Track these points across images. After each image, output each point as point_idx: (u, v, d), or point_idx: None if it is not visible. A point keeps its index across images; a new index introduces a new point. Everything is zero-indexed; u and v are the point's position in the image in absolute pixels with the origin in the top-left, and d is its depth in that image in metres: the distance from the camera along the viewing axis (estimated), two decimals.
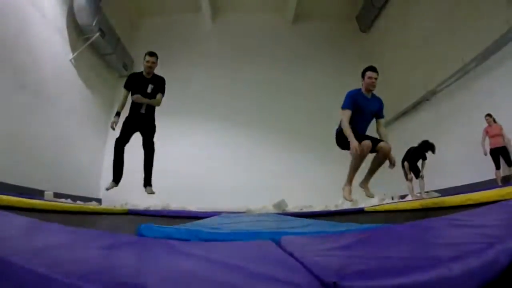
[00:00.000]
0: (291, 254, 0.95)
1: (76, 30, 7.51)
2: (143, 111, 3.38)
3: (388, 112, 9.08)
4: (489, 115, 5.21)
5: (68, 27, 7.23)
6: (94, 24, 7.41)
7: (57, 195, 6.02)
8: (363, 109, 2.93)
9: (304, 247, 1.10)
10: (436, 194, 5.68)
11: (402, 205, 4.87)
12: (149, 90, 3.41)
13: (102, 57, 8.80)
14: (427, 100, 7.52)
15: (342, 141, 2.95)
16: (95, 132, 8.73)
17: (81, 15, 7.23)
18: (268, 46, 10.68)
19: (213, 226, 2.05)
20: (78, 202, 6.41)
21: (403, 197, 7.23)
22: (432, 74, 7.12)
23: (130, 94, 3.46)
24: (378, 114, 3.06)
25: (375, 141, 2.82)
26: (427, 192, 5.73)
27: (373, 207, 5.62)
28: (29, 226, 1.28)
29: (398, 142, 8.76)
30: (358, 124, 2.90)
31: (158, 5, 10.91)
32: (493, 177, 5.09)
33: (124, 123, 3.42)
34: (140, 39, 10.77)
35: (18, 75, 5.56)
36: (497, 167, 5.05)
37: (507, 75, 5.21)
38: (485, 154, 5.17)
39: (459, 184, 5.93)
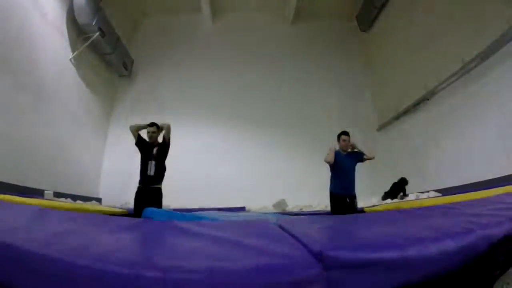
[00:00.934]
0: (288, 232, 1.01)
1: (76, 29, 7.51)
2: (151, 172, 3.61)
3: (388, 112, 9.14)
4: None
5: (68, 26, 7.24)
6: (94, 23, 7.41)
7: (57, 195, 6.03)
8: (342, 164, 3.51)
9: (300, 226, 1.15)
10: (437, 194, 5.68)
11: (402, 205, 4.86)
12: (154, 152, 3.70)
13: (102, 57, 8.80)
14: (427, 99, 7.51)
15: (333, 205, 3.50)
16: (95, 131, 8.74)
17: (81, 14, 7.22)
18: (268, 45, 10.68)
19: (215, 215, 2.09)
20: (78, 201, 6.42)
21: (402, 197, 7.23)
22: (432, 74, 7.11)
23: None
24: (359, 161, 3.64)
25: None
26: (427, 191, 5.73)
27: (373, 208, 5.62)
28: (37, 215, 1.29)
29: (398, 142, 8.80)
30: (341, 178, 3.50)
31: (158, 5, 10.91)
32: (494, 176, 5.06)
33: (135, 200, 3.61)
34: (140, 39, 10.79)
35: (18, 75, 5.56)
36: None
37: (508, 75, 5.20)
38: None
39: (460, 184, 5.92)
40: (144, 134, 3.81)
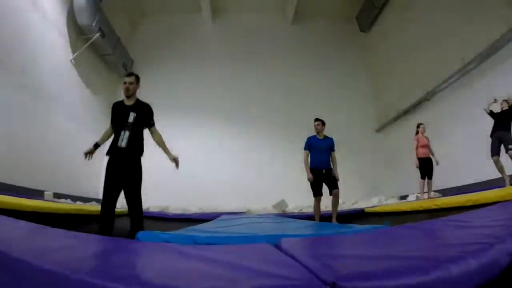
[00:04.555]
0: (291, 256, 0.94)
1: (76, 30, 7.51)
2: (123, 144, 2.79)
3: (388, 112, 9.13)
4: None
5: (68, 27, 7.23)
6: (94, 24, 7.41)
7: (57, 195, 6.02)
8: (317, 147, 4.42)
9: (303, 248, 1.10)
10: (437, 195, 5.68)
11: (402, 206, 4.86)
12: (131, 119, 2.86)
13: (102, 57, 8.80)
14: (427, 100, 7.51)
15: (313, 181, 4.27)
16: (95, 132, 8.69)
17: (81, 15, 7.22)
18: (268, 46, 10.67)
19: (210, 230, 2.04)
20: (78, 202, 6.42)
21: (404, 197, 7.23)
22: (432, 74, 7.11)
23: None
24: (330, 148, 4.47)
25: (331, 187, 4.21)
26: (427, 192, 5.72)
27: (373, 208, 5.62)
28: (35, 231, 1.28)
29: (398, 142, 8.79)
30: (317, 156, 4.37)
31: (158, 5, 10.90)
32: (493, 177, 5.06)
33: (106, 176, 2.82)
34: (140, 39, 10.78)
35: (18, 75, 5.56)
36: None
37: (507, 75, 5.20)
38: None
39: (460, 184, 5.93)
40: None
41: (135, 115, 2.89)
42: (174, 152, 3.08)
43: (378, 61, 10.23)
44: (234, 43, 10.72)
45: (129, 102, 2.99)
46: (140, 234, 1.47)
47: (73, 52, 7.39)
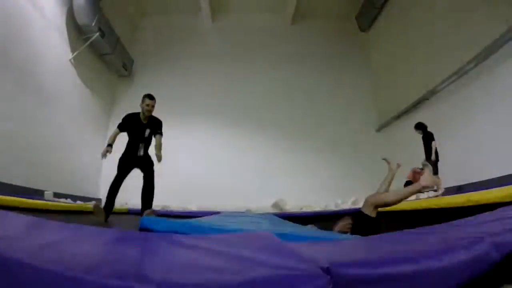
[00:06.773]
0: (290, 245, 0.96)
1: (76, 30, 7.51)
2: (141, 153, 3.53)
3: (388, 112, 9.13)
4: None
5: (67, 27, 7.23)
6: (93, 24, 7.40)
7: (57, 195, 6.03)
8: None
9: (302, 245, 1.11)
10: (437, 194, 5.66)
11: (401, 205, 4.86)
12: (146, 134, 3.60)
13: (102, 57, 8.80)
14: (427, 99, 7.52)
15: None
16: (95, 132, 8.74)
17: (81, 15, 7.22)
18: (268, 46, 10.67)
19: (213, 223, 2.06)
20: (78, 202, 6.42)
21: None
22: (432, 74, 7.11)
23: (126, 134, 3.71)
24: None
25: None
26: (427, 192, 5.69)
27: None
28: (30, 224, 1.28)
29: (398, 142, 8.79)
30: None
31: (158, 5, 10.91)
32: (493, 177, 5.06)
33: (120, 162, 3.59)
34: (140, 39, 10.78)
35: (17, 75, 5.56)
36: None
37: (507, 75, 5.20)
38: None
39: (459, 184, 5.93)
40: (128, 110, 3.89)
41: (149, 131, 3.61)
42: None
43: (378, 60, 10.23)
44: (234, 43, 10.72)
45: (145, 120, 3.63)
46: (145, 219, 1.47)
47: (73, 52, 7.39)
